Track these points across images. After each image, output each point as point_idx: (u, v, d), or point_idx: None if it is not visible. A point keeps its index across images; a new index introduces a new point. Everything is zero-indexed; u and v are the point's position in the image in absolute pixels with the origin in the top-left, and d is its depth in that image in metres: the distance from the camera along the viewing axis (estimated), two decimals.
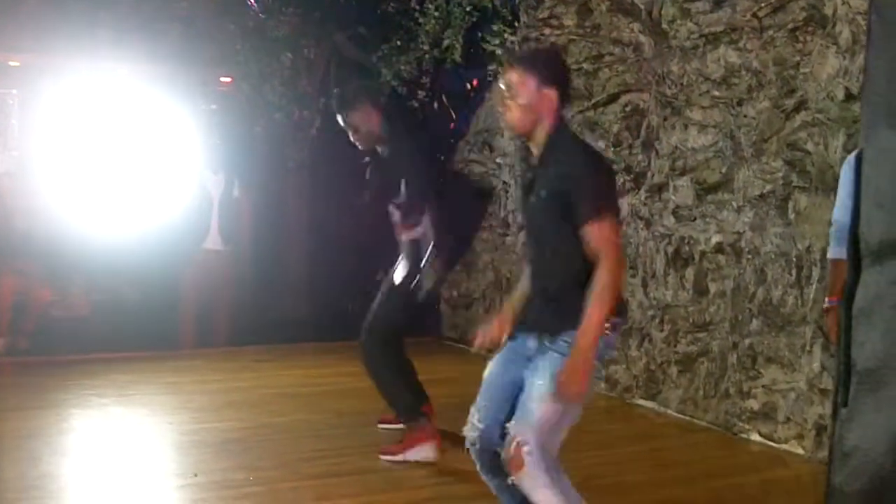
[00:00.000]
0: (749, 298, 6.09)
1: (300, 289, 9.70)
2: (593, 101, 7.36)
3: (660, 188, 6.80)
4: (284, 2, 9.14)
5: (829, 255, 4.71)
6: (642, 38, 6.96)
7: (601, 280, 3.50)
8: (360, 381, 5.76)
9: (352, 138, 5.45)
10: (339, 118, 5.44)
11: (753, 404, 6.05)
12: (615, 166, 6.72)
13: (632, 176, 7.02)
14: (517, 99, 3.64)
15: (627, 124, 7.12)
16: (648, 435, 6.27)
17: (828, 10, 5.61)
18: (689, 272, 6.57)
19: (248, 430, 6.02)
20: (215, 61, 9.16)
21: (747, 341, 6.09)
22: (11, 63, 8.99)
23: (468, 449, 3.89)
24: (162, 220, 8.77)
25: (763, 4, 5.99)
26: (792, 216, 5.83)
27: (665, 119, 6.76)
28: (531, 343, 3.73)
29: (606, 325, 3.59)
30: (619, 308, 3.72)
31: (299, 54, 9.17)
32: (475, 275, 9.07)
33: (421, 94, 8.97)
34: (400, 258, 5.46)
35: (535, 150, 3.73)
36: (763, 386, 5.99)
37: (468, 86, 9.29)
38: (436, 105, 9.34)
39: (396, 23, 8.98)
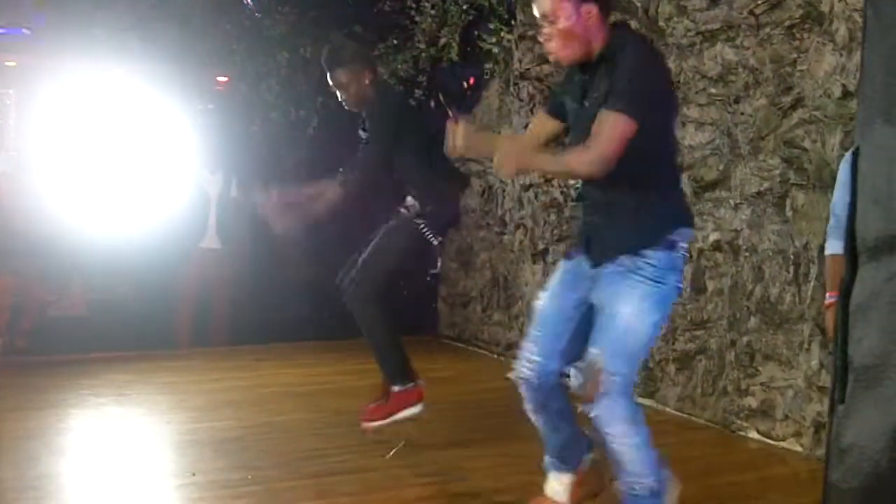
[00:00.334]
0: (747, 296, 6.10)
1: (298, 288, 9.70)
2: None
3: None
4: (280, 1, 9.14)
5: (827, 251, 4.70)
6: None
7: (569, 156, 3.41)
8: (360, 379, 5.76)
9: (340, 98, 5.34)
10: (329, 75, 5.30)
11: (751, 402, 6.06)
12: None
13: None
14: (557, 25, 3.46)
15: None
16: None
17: (824, 8, 5.61)
18: (687, 270, 6.57)
19: (246, 429, 6.02)
20: (212, 61, 9.15)
21: (745, 339, 6.10)
22: (8, 63, 8.99)
23: (519, 383, 3.77)
24: (159, 219, 8.77)
25: (760, 2, 5.99)
26: (789, 214, 5.83)
27: None
28: (602, 265, 3.55)
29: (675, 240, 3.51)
30: (685, 218, 3.62)
31: (296, 53, 9.16)
32: (473, 273, 9.07)
33: (418, 92, 8.95)
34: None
35: (588, 69, 3.56)
36: (761, 383, 5.99)
37: (465, 84, 9.28)
38: (433, 104, 9.32)
39: (393, 21, 8.97)
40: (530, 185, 8.18)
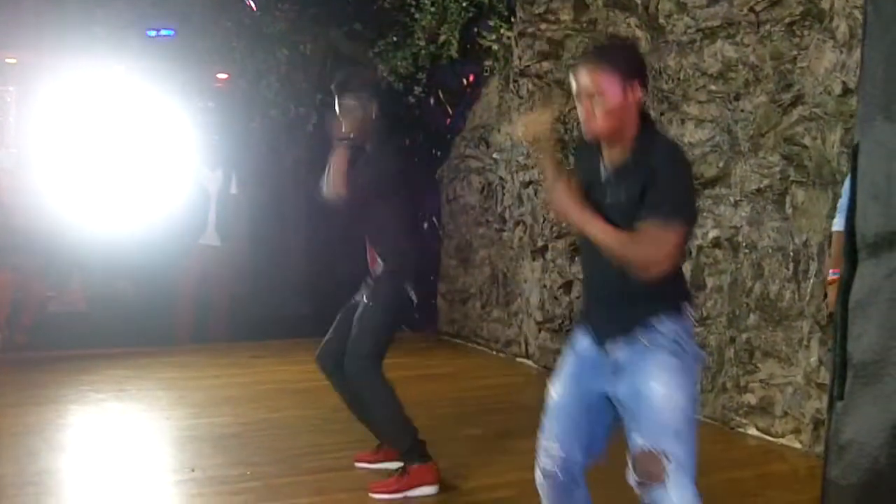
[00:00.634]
0: (746, 293, 6.10)
1: (297, 284, 9.71)
2: None
3: None
4: None
5: (834, 227, 4.72)
6: (639, 33, 6.96)
7: (629, 239, 3.15)
8: None
9: (343, 124, 5.15)
10: (338, 100, 5.16)
11: (751, 399, 6.06)
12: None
13: None
14: (605, 103, 3.27)
15: None
16: None
17: (825, 5, 5.61)
18: (686, 267, 6.57)
19: (245, 425, 6.02)
20: (212, 58, 9.16)
21: (744, 336, 6.10)
22: (8, 60, 8.99)
23: (542, 481, 3.47)
24: (159, 216, 8.77)
25: None
26: (789, 211, 5.83)
27: (662, 114, 6.75)
28: (615, 351, 3.36)
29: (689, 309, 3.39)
30: (685, 296, 3.48)
31: (295, 51, 9.17)
32: (472, 270, 9.07)
33: (417, 90, 8.95)
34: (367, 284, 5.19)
35: (615, 152, 3.36)
36: (760, 380, 5.99)
37: (464, 81, 9.28)
38: (432, 101, 9.33)
39: (392, 18, 8.97)
40: (530, 182, 8.18)
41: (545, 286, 7.90)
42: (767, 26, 5.95)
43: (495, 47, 8.41)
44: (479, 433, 5.89)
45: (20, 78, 9.00)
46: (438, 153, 9.55)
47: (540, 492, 3.49)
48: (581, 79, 3.31)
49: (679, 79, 6.58)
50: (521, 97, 8.29)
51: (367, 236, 5.13)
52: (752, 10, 6.03)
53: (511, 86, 8.42)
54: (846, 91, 5.46)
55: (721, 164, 6.27)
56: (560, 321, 7.69)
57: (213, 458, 5.28)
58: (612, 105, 3.27)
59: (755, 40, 6.03)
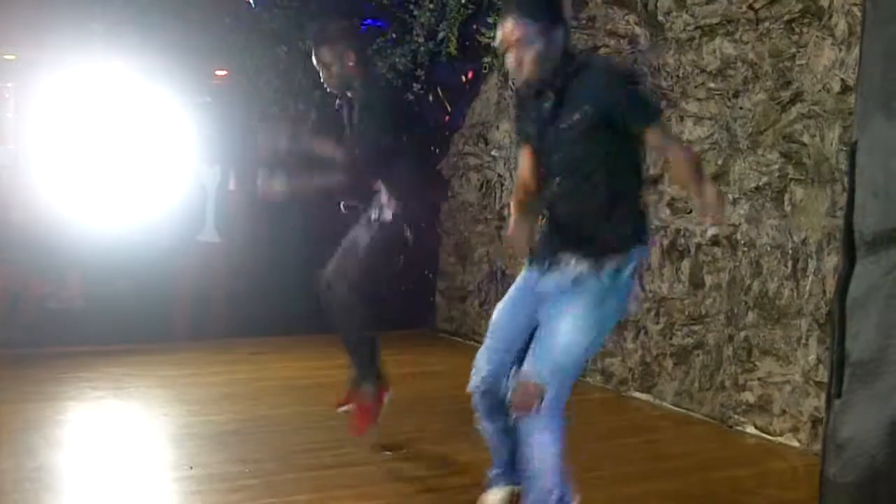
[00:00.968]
0: (745, 291, 6.10)
1: (297, 281, 9.67)
2: None
3: (655, 180, 6.79)
4: None
5: None
6: (638, 30, 6.95)
7: (689, 157, 3.54)
8: None
9: (322, 77, 5.27)
10: (314, 53, 5.23)
11: (749, 397, 6.06)
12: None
13: None
14: (530, 51, 3.50)
15: None
16: (643, 427, 6.27)
17: (823, 2, 5.61)
18: (685, 265, 6.58)
19: (243, 422, 6.02)
20: (210, 53, 9.13)
21: (743, 334, 6.10)
22: (7, 56, 8.97)
23: (471, 393, 3.84)
24: (158, 212, 8.75)
25: None
26: (788, 208, 5.83)
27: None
28: (556, 277, 3.60)
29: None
30: (643, 233, 3.69)
31: (294, 47, 9.14)
32: (470, 267, 9.07)
33: (416, 86, 8.93)
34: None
35: (551, 86, 3.59)
36: (758, 378, 5.99)
37: (463, 78, 9.26)
38: (431, 98, 9.30)
39: (391, 15, 8.95)
40: None
41: None
42: (766, 23, 5.94)
43: (494, 44, 8.38)
44: (476, 430, 5.88)
45: (18, 74, 8.97)
46: (437, 150, 9.53)
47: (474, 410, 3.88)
48: (506, 29, 3.54)
49: (678, 76, 6.58)
50: None
51: (380, 174, 5.24)
52: (750, 7, 6.03)
53: (510, 83, 8.40)
54: (845, 88, 5.45)
55: (720, 162, 6.27)
56: None
57: (211, 455, 5.28)
58: (536, 53, 3.50)
59: (754, 38, 6.02)
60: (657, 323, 6.78)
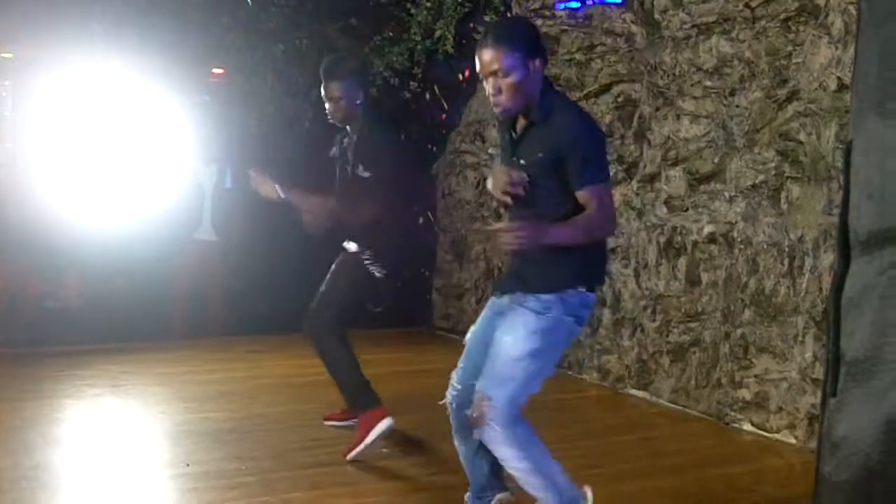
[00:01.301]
0: (741, 288, 6.11)
1: (293, 279, 9.67)
2: (585, 91, 7.36)
3: (652, 178, 6.81)
4: None
5: None
6: (634, 29, 6.96)
7: (587, 216, 3.52)
8: None
9: (328, 109, 5.43)
10: (323, 85, 5.40)
11: (745, 394, 6.07)
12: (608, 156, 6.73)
13: (624, 166, 7.03)
14: (507, 81, 3.55)
15: (620, 115, 7.12)
16: (640, 425, 6.28)
17: (820, 0, 5.61)
18: (682, 262, 6.59)
19: (240, 420, 6.03)
20: (207, 52, 9.12)
21: (739, 331, 6.11)
22: (4, 55, 8.96)
23: (447, 406, 3.93)
24: (155, 211, 8.75)
25: None
26: (784, 206, 5.84)
27: (657, 109, 6.76)
28: (505, 300, 3.76)
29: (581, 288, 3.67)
30: (591, 274, 3.76)
31: (291, 46, 9.14)
32: (467, 265, 9.08)
33: (413, 85, 8.93)
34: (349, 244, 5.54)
35: (523, 119, 3.68)
36: (755, 376, 6.00)
37: (460, 77, 9.26)
38: (427, 96, 9.31)
39: (388, 14, 8.95)
40: None
41: None
42: (763, 22, 5.95)
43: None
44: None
45: (16, 73, 8.97)
46: (434, 148, 9.54)
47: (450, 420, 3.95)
48: (483, 58, 3.60)
49: (674, 74, 6.59)
50: None
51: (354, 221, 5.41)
52: (747, 5, 6.04)
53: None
54: (841, 87, 5.46)
55: (716, 160, 6.28)
56: None
57: (208, 453, 5.28)
58: (514, 81, 3.55)
59: (750, 36, 6.03)
60: (654, 320, 6.79)
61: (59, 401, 6.35)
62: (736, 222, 6.15)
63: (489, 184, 3.71)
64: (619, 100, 7.14)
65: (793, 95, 5.78)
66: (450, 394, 3.91)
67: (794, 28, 5.77)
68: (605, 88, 7.26)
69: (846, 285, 1.89)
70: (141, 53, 8.59)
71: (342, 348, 5.41)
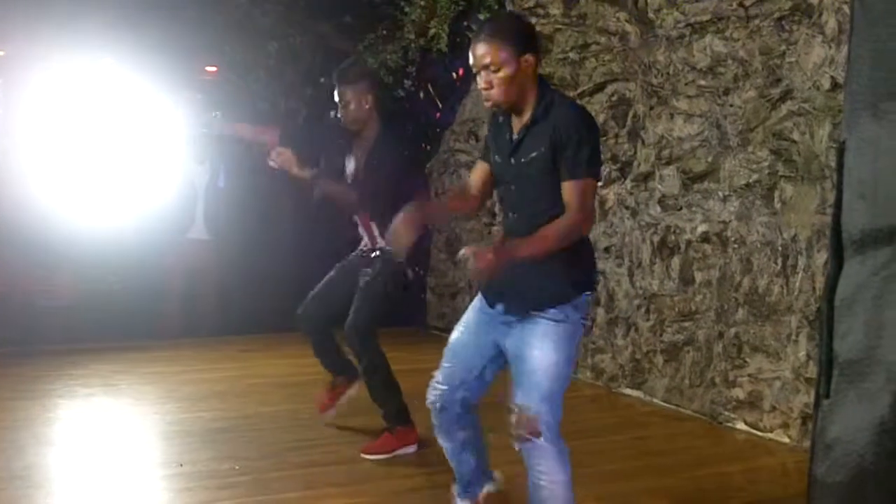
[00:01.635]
0: (735, 288, 6.11)
1: (287, 278, 9.66)
2: (579, 90, 7.36)
3: (646, 177, 6.81)
4: None
5: None
6: (628, 28, 6.96)
7: (559, 224, 3.46)
8: None
9: (339, 111, 5.49)
10: (336, 89, 5.47)
11: (739, 393, 6.07)
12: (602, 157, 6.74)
13: (618, 165, 7.03)
14: (500, 75, 3.54)
15: (614, 113, 7.12)
16: (634, 424, 6.28)
17: (813, 0, 5.61)
18: (675, 261, 6.59)
19: (234, 419, 6.02)
20: (201, 50, 9.12)
21: (733, 330, 6.11)
22: None
23: (430, 408, 3.92)
24: (147, 210, 8.74)
25: None
26: (778, 205, 5.84)
27: (651, 108, 6.76)
28: (514, 313, 3.69)
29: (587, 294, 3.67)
30: (591, 279, 3.75)
31: (285, 43, 9.14)
32: (461, 265, 9.05)
33: (407, 83, 8.94)
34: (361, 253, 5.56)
35: (521, 117, 3.65)
36: (749, 375, 6.00)
37: (454, 75, 9.26)
38: (421, 94, 9.31)
39: (382, 12, 8.95)
40: None
41: None
42: (756, 21, 5.95)
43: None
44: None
45: (7, 70, 8.96)
46: (428, 147, 9.54)
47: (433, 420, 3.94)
48: (476, 52, 3.58)
49: (668, 73, 6.58)
50: None
51: (374, 216, 5.41)
52: (741, 4, 6.04)
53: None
54: (835, 86, 5.46)
55: (710, 159, 6.28)
56: None
57: (201, 453, 5.27)
58: (505, 76, 3.53)
59: (744, 35, 6.03)
60: (647, 319, 6.79)
61: (51, 400, 6.34)
62: (729, 221, 6.15)
63: (469, 263, 3.53)
64: (613, 99, 7.14)
65: (786, 95, 5.78)
66: (433, 394, 3.89)
67: (787, 27, 5.77)
68: (599, 87, 7.26)
69: (839, 286, 1.89)
70: (134, 51, 8.58)
71: (380, 355, 5.42)
